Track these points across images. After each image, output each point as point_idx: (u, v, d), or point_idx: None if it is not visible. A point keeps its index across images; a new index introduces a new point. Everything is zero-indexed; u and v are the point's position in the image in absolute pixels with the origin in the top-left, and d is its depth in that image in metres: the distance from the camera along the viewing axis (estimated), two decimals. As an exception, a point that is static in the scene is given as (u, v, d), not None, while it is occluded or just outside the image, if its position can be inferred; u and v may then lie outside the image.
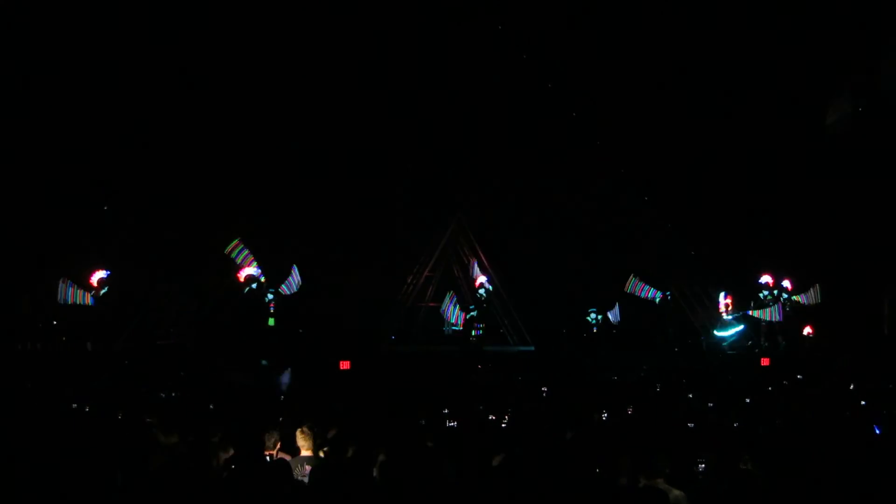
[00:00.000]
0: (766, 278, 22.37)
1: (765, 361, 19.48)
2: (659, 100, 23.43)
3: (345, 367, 17.89)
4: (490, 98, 23.77)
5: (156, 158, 22.21)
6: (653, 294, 22.87)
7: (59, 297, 19.64)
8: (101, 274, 20.44)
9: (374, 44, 22.81)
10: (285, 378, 17.33)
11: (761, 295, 22.29)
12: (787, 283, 22.34)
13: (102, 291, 20.27)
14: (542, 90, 24.10)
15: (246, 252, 21.24)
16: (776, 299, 22.08)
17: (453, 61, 23.26)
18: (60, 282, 19.64)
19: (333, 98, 22.98)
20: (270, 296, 21.38)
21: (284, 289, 21.37)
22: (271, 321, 21.45)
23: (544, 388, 15.08)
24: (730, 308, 22.99)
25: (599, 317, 23.27)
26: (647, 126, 23.55)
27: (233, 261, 21.20)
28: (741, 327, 22.74)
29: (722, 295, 23.21)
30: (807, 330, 23.01)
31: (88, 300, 19.99)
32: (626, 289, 22.85)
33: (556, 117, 24.28)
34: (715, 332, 22.96)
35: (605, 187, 24.35)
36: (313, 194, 23.43)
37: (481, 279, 23.08)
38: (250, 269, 21.27)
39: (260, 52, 22.12)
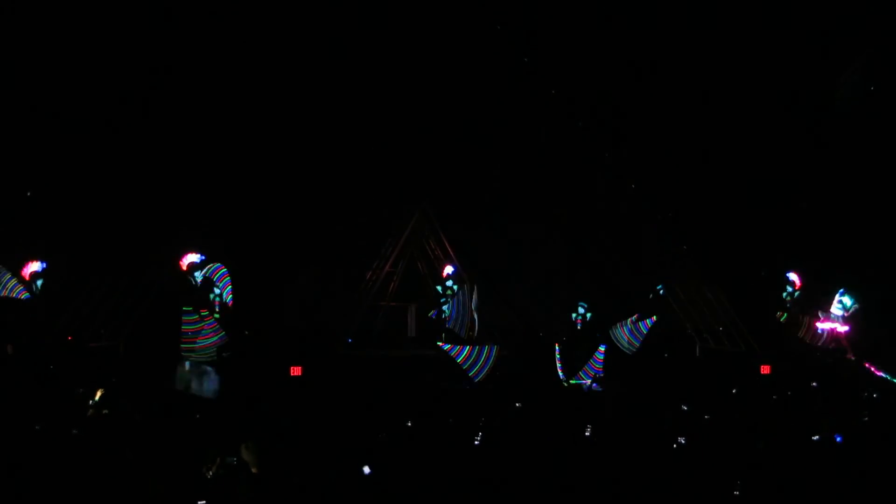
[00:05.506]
0: (793, 276, 22.63)
1: (765, 369, 19.55)
2: (641, 80, 23.56)
3: (296, 374, 17.70)
4: (459, 77, 23.69)
5: (92, 146, 22.07)
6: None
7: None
8: (34, 266, 20.20)
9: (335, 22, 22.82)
10: (210, 383, 17.19)
11: (784, 294, 22.58)
12: (794, 278, 22.60)
13: (37, 284, 20.10)
14: (518, 68, 24.07)
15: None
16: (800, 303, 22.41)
17: (417, 41, 23.22)
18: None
19: (285, 78, 22.90)
20: (217, 290, 21.14)
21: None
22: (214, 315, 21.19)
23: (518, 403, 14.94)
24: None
25: (589, 314, 23.21)
26: (632, 108, 23.66)
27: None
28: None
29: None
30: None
31: (22, 294, 19.86)
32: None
33: (532, 99, 24.25)
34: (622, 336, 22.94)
35: (588, 176, 24.41)
36: (264, 183, 23.26)
37: (448, 270, 22.98)
38: (193, 257, 21.00)
39: (212, 32, 22.23)
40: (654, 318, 22.61)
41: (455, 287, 22.77)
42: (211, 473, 8.28)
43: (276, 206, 23.41)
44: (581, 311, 23.31)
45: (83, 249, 21.79)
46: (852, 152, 23.30)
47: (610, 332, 22.83)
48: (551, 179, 24.53)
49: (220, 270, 21.12)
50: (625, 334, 22.61)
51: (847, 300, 21.97)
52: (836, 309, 22.11)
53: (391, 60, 23.31)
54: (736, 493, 8.52)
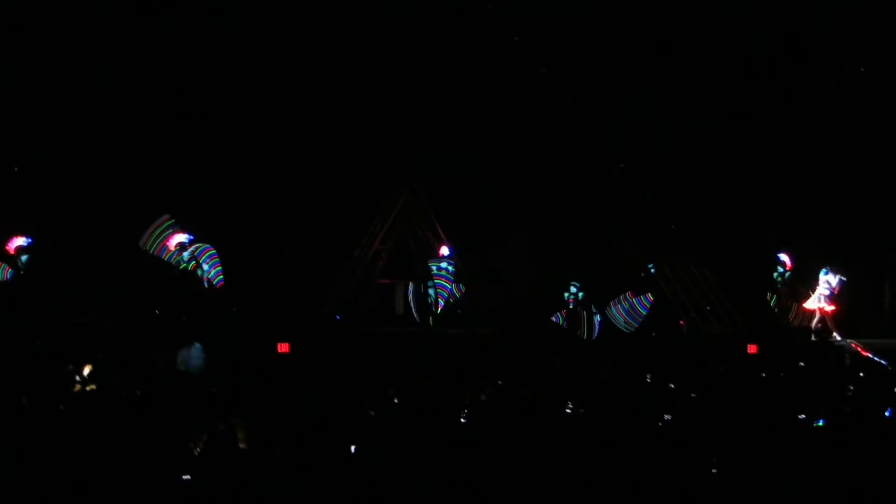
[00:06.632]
0: (783, 257, 22.75)
1: (752, 348, 19.68)
2: (632, 54, 23.61)
3: (283, 350, 17.77)
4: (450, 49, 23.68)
5: (79, 121, 22.05)
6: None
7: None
8: (20, 241, 20.20)
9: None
10: (194, 355, 17.24)
11: (775, 274, 22.70)
12: (785, 258, 22.73)
13: (21, 259, 20.12)
14: (508, 43, 24.05)
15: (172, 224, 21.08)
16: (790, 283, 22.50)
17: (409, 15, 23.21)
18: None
19: (273, 50, 22.83)
20: (206, 266, 21.20)
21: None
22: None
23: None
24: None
25: (581, 293, 23.33)
26: (622, 84, 23.71)
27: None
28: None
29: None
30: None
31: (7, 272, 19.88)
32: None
33: (523, 72, 24.23)
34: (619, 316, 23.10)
35: (579, 151, 24.44)
36: (251, 160, 23.23)
37: (442, 251, 23.10)
38: (181, 236, 21.04)
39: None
40: (650, 296, 22.80)
41: (450, 267, 22.91)
42: (198, 450, 8.37)
43: (262, 184, 23.38)
44: (573, 290, 23.39)
45: (69, 224, 21.79)
46: (841, 130, 23.45)
47: (606, 311, 22.99)
48: (540, 158, 24.54)
49: (207, 251, 21.17)
50: (621, 314, 22.77)
51: (832, 278, 22.08)
52: (822, 288, 22.24)
53: (378, 39, 23.24)
54: (714, 470, 8.60)
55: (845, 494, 7.98)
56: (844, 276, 22.15)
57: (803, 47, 23.48)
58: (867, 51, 23.53)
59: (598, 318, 23.00)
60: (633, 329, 22.55)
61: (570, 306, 23.34)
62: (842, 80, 23.66)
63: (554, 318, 23.12)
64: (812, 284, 22.43)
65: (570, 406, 11.47)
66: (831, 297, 22.16)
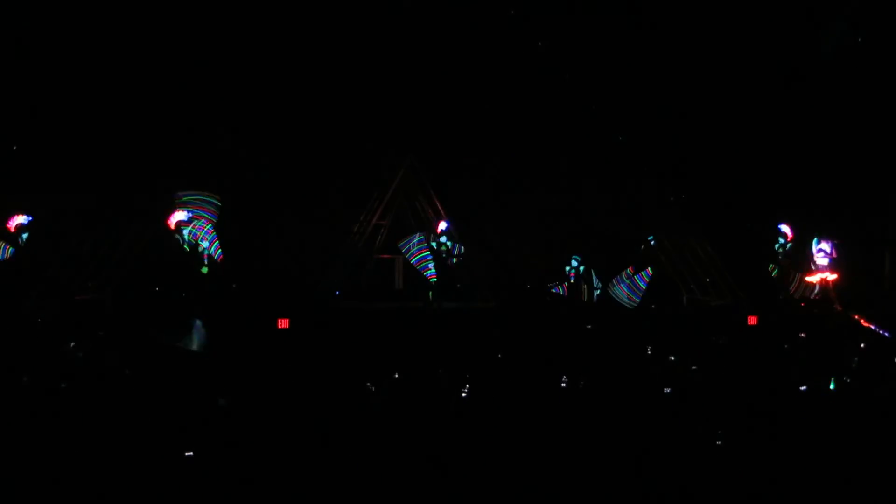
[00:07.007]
0: (784, 228, 22.76)
1: (752, 320, 19.72)
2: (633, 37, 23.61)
3: (283, 326, 17.80)
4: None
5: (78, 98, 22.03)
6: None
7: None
8: (20, 219, 20.24)
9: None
10: (197, 333, 17.28)
11: (777, 246, 22.73)
12: (786, 230, 22.77)
13: (22, 237, 20.17)
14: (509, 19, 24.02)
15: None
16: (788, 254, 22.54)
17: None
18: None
19: (270, 27, 22.77)
20: (206, 244, 21.24)
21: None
22: (204, 269, 21.28)
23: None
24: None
25: (582, 267, 23.34)
26: (619, 57, 23.67)
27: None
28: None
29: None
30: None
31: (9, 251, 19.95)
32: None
33: (523, 50, 24.21)
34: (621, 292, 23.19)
35: (578, 126, 24.42)
36: (249, 133, 23.23)
37: (442, 226, 23.15)
38: (180, 215, 21.07)
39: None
40: (650, 270, 22.86)
41: (449, 243, 22.97)
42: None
43: (261, 160, 23.37)
44: (574, 263, 23.43)
45: (69, 202, 21.80)
46: (839, 100, 23.45)
47: (608, 289, 23.08)
48: (539, 131, 24.52)
49: (206, 226, 21.21)
50: (623, 291, 22.83)
51: (825, 245, 22.09)
52: (819, 258, 22.24)
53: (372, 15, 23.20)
54: (718, 443, 8.66)
55: (846, 464, 8.02)
56: (837, 240, 22.17)
57: (799, 14, 23.41)
58: (861, 19, 23.49)
59: (598, 292, 23.07)
60: (635, 305, 22.63)
61: (572, 280, 23.38)
62: (835, 50, 23.61)
63: (555, 290, 23.21)
64: (809, 255, 22.44)
65: (566, 380, 11.53)
66: (832, 265, 22.17)
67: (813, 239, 22.34)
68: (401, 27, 23.23)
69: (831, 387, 11.58)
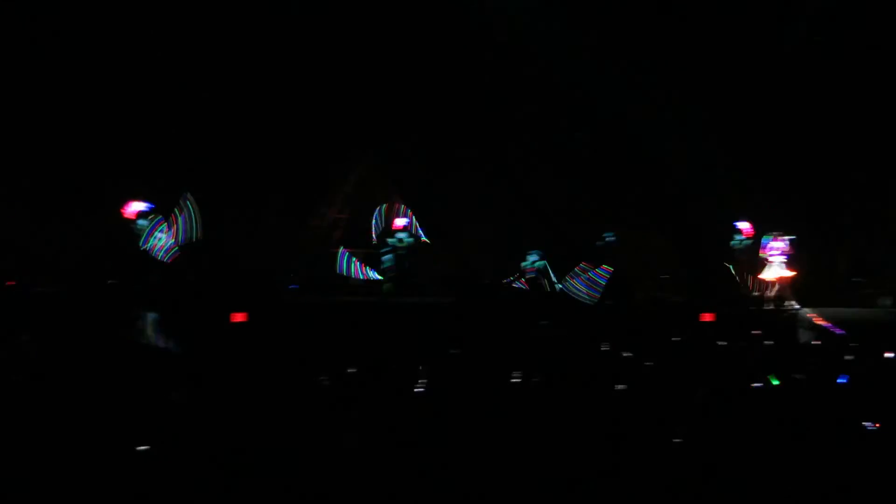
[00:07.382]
0: (744, 225, 22.88)
1: (706, 317, 19.85)
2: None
3: (239, 320, 17.71)
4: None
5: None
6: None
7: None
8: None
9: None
10: (149, 325, 17.21)
11: (733, 242, 22.86)
12: (745, 226, 22.91)
13: None
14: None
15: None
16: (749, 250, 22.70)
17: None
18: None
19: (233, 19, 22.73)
20: (164, 237, 21.18)
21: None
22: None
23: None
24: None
25: (539, 263, 23.41)
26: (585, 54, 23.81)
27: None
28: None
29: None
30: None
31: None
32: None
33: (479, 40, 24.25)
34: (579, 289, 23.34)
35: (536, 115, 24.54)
36: (208, 122, 23.13)
37: (402, 222, 23.18)
38: (139, 205, 20.99)
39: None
40: (607, 266, 22.94)
41: (408, 239, 23.00)
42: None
43: (220, 151, 23.28)
44: (533, 259, 23.52)
45: (27, 192, 21.65)
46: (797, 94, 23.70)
47: (564, 285, 23.15)
48: (497, 128, 24.61)
49: (163, 223, 21.15)
50: (581, 287, 22.91)
51: (780, 242, 22.28)
52: (773, 255, 22.39)
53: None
54: (676, 440, 8.71)
55: (803, 463, 8.10)
56: (789, 236, 22.32)
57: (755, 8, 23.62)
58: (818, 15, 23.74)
59: (558, 286, 23.16)
60: (595, 301, 22.72)
61: (530, 276, 23.48)
62: (793, 43, 23.85)
63: (515, 285, 23.28)
64: (763, 252, 22.60)
65: (521, 376, 11.56)
66: (788, 262, 22.34)
67: (764, 236, 22.50)
68: (359, 22, 23.27)
69: (777, 383, 11.71)
